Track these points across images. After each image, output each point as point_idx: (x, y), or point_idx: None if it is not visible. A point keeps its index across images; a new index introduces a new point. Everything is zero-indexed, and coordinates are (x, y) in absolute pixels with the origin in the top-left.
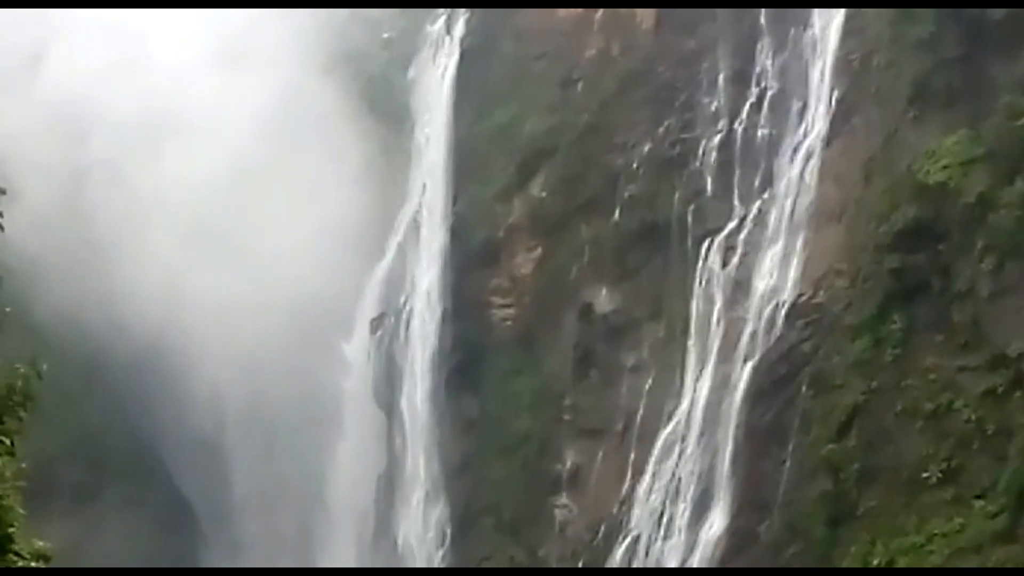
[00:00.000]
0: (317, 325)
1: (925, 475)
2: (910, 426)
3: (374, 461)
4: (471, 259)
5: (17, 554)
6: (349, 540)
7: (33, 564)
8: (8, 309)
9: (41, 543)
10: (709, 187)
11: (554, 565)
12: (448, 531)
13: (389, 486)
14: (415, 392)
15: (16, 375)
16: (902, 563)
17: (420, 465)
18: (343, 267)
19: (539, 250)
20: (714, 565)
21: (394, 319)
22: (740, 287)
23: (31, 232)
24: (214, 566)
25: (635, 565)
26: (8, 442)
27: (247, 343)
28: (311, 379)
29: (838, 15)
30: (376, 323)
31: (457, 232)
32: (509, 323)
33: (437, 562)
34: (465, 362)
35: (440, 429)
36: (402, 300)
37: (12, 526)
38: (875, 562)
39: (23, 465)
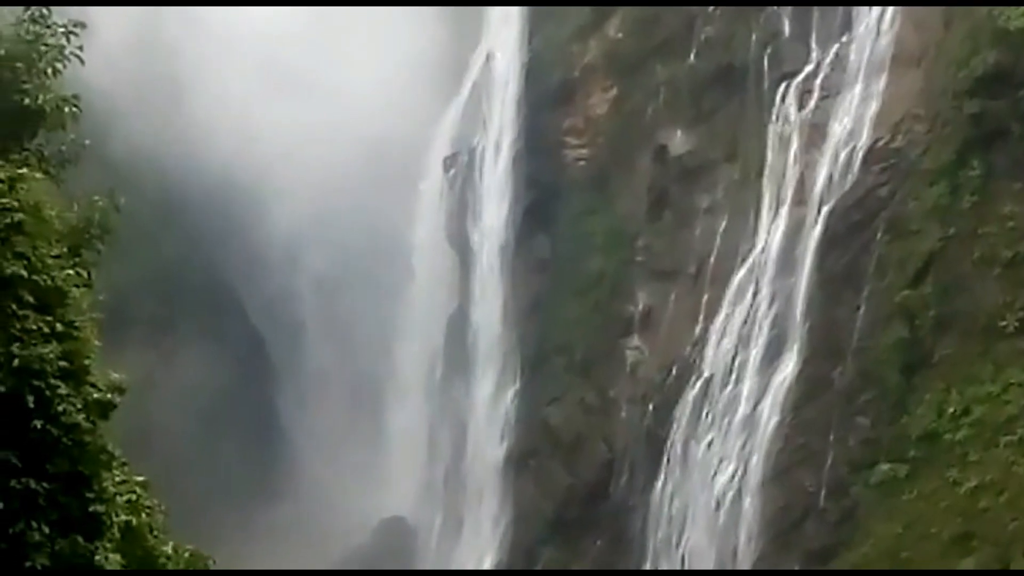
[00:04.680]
0: (390, 163)
1: (1002, 324)
2: (987, 274)
3: (445, 301)
4: (546, 99)
5: (93, 385)
6: (419, 382)
7: (108, 396)
8: (87, 142)
9: (116, 375)
10: (786, 29)
11: (624, 406)
12: (519, 371)
13: (460, 326)
14: (487, 231)
15: (94, 208)
16: (977, 412)
17: (492, 305)
18: (418, 105)
19: (614, 91)
20: (787, 410)
21: (467, 158)
22: (816, 131)
23: (107, 67)
24: (286, 401)
25: (706, 408)
26: (86, 274)
27: (320, 180)
28: (383, 218)
29: None
30: (449, 162)
31: (532, 72)
32: (583, 163)
33: (509, 399)
34: (538, 202)
35: (512, 269)
36: (476, 139)
37: (88, 357)
38: (950, 410)
39: (100, 297)
